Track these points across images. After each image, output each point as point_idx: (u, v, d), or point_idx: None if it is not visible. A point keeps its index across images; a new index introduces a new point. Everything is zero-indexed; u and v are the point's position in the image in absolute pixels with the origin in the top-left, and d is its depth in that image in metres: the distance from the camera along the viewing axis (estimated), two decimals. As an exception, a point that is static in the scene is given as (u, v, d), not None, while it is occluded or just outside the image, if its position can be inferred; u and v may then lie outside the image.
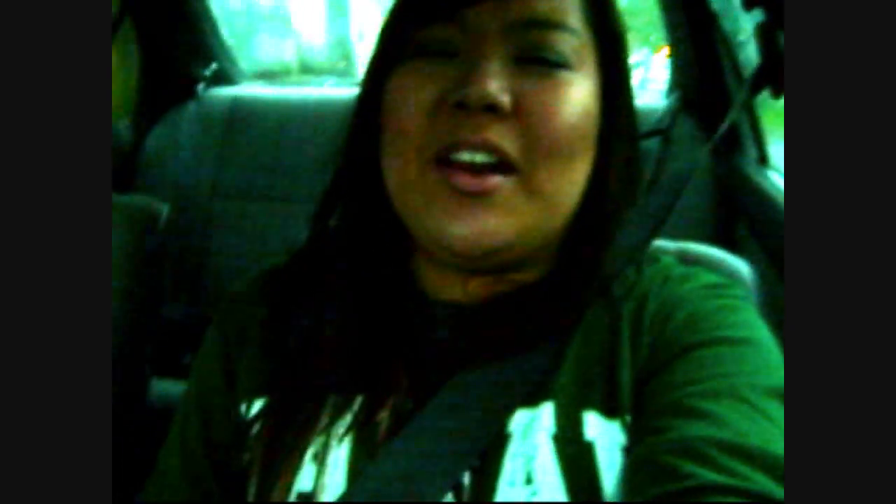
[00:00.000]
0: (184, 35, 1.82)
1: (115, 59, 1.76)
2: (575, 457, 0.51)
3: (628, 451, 0.51)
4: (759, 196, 1.33)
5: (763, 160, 1.49)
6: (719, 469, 0.42)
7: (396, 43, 0.56)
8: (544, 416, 0.52)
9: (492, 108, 0.50)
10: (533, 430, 0.52)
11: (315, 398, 0.55)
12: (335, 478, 0.52)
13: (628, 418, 0.52)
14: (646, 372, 0.52)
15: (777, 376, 0.50)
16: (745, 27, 1.38)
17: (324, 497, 0.52)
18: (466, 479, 0.51)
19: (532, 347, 0.54)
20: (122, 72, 1.82)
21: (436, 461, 0.50)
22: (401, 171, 0.54)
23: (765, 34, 0.78)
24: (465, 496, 0.51)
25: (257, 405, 0.57)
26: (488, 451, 0.51)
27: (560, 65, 0.53)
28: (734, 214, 1.54)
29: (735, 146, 1.52)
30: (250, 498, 0.55)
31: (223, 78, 1.90)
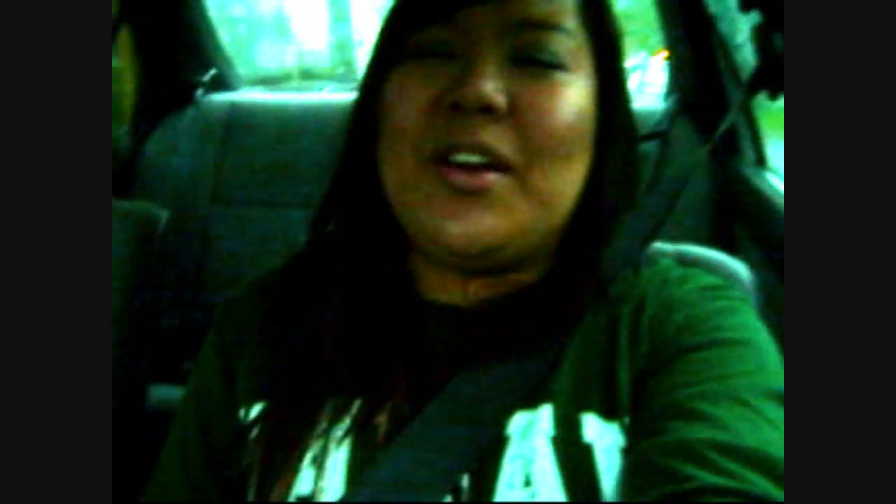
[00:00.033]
0: (182, 41, 1.82)
1: (112, 64, 1.76)
2: (574, 459, 0.51)
3: (627, 452, 0.51)
4: (757, 198, 1.34)
5: (761, 162, 1.49)
6: (718, 471, 0.42)
7: (394, 44, 0.56)
8: (543, 418, 0.52)
9: (487, 109, 0.51)
10: (532, 433, 0.52)
11: (314, 401, 0.55)
12: (334, 481, 0.52)
13: (627, 420, 0.52)
14: (644, 373, 0.52)
15: (776, 378, 0.50)
16: (742, 28, 1.38)
17: (323, 500, 0.52)
18: (465, 481, 0.51)
19: (530, 350, 0.54)
20: (121, 78, 1.82)
21: (434, 464, 0.50)
22: (398, 171, 0.54)
23: (761, 36, 0.79)
24: (464, 499, 0.51)
25: (256, 409, 0.57)
26: (487, 454, 0.51)
27: (555, 65, 0.53)
28: (732, 216, 1.54)
29: (733, 148, 1.53)
30: (250, 501, 0.55)
31: (221, 83, 1.90)
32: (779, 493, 0.41)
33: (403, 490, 0.49)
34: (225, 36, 1.94)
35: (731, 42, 1.48)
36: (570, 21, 0.55)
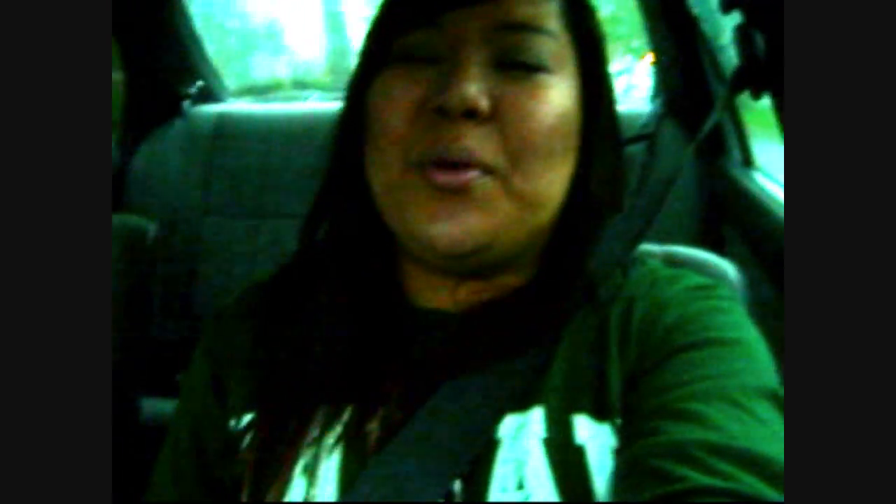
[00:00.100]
0: (168, 53, 1.81)
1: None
2: (566, 460, 0.51)
3: (619, 453, 0.51)
4: (745, 197, 1.34)
5: (748, 162, 1.50)
6: (709, 472, 0.42)
7: (380, 49, 0.56)
8: (534, 420, 0.52)
9: (471, 114, 0.51)
10: (523, 435, 0.52)
11: (305, 409, 0.55)
12: (325, 489, 0.52)
13: (619, 421, 0.52)
14: (635, 374, 0.52)
15: (766, 377, 0.50)
16: (726, 29, 1.39)
17: None
18: (457, 486, 0.51)
19: (520, 353, 0.54)
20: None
21: (426, 470, 0.50)
22: (384, 175, 0.55)
23: (743, 36, 0.79)
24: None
25: (247, 418, 0.57)
26: (479, 458, 0.51)
27: (539, 68, 0.54)
28: (720, 216, 1.54)
29: (719, 148, 1.53)
30: None
31: (209, 95, 1.90)
32: (770, 493, 0.41)
33: (396, 496, 0.49)
34: (219, 48, 1.94)
35: (715, 43, 1.49)
36: (554, 23, 0.55)
